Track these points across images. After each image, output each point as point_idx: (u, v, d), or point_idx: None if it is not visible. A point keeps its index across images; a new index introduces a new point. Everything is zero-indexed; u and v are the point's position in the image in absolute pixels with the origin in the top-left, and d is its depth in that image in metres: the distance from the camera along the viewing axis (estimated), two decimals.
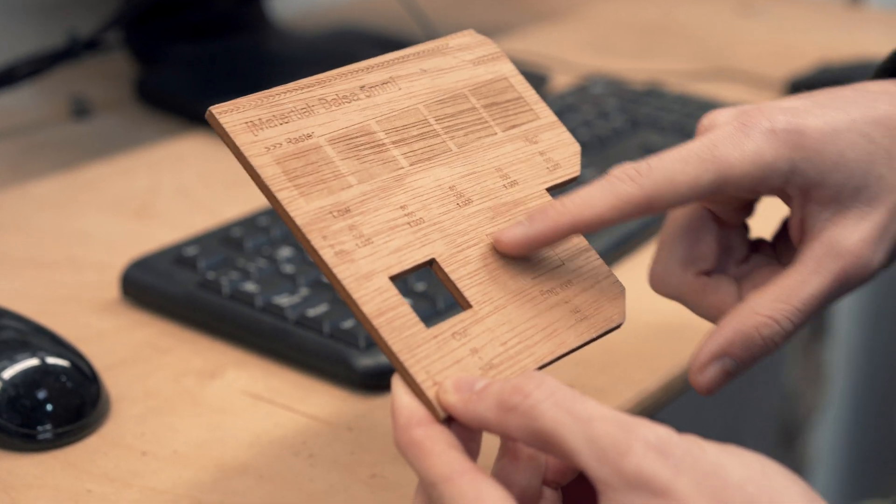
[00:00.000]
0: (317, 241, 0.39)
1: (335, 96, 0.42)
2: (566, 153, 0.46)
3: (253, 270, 0.59)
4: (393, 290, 0.39)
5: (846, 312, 1.52)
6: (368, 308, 0.38)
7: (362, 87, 0.43)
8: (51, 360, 0.52)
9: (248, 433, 0.52)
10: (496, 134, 0.45)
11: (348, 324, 0.55)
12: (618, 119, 0.82)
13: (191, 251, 0.61)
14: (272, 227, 0.64)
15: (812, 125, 0.44)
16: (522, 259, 0.42)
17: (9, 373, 0.51)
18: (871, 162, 0.44)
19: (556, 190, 0.45)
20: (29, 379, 0.51)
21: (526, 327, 0.41)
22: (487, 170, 0.44)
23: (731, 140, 0.43)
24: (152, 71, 0.93)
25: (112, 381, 0.55)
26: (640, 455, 0.33)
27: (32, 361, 0.51)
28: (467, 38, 0.47)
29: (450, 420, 0.37)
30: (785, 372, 1.52)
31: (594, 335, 0.42)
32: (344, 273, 0.38)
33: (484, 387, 0.37)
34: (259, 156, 0.39)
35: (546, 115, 0.47)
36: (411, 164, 0.42)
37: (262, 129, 0.40)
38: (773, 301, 0.43)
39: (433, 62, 0.45)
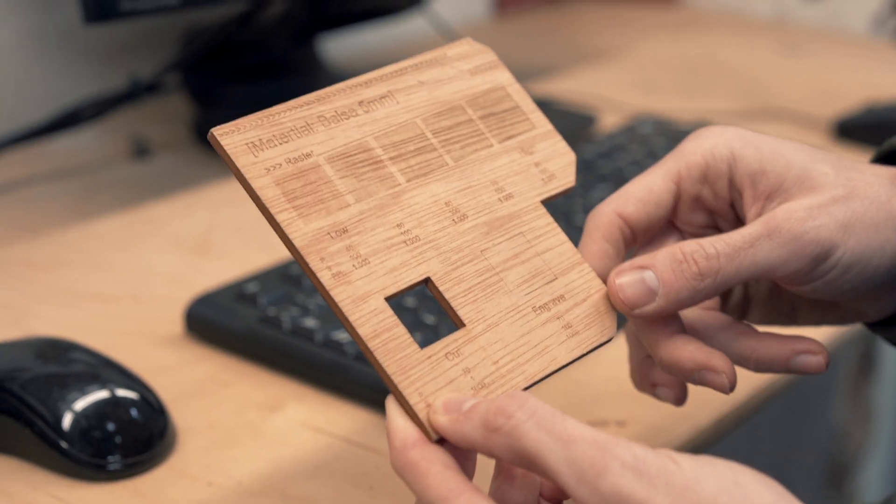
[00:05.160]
0: (315, 263, 0.40)
1: (334, 113, 0.43)
2: (561, 163, 0.47)
3: (312, 307, 0.61)
4: (388, 312, 0.40)
5: (894, 352, 1.52)
6: (364, 330, 0.39)
7: (360, 103, 0.44)
8: (120, 393, 0.54)
9: (309, 465, 0.53)
10: (492, 146, 0.46)
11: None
12: None
13: (252, 288, 0.63)
14: None
15: (753, 133, 0.47)
16: (517, 274, 0.44)
17: (80, 404, 0.52)
18: (815, 161, 0.45)
19: (550, 201, 0.47)
20: (99, 411, 0.53)
21: (518, 345, 0.42)
22: (483, 183, 0.45)
23: (677, 148, 0.48)
24: (210, 112, 0.95)
25: (177, 413, 0.56)
26: (617, 475, 0.35)
27: (102, 394, 0.53)
28: (465, 46, 0.48)
29: (443, 440, 0.39)
30: (833, 412, 1.52)
31: (584, 351, 0.43)
32: (341, 295, 0.39)
33: (471, 407, 0.38)
34: (259, 177, 0.40)
35: (542, 123, 0.48)
36: (408, 181, 0.43)
37: (262, 149, 0.40)
38: (702, 237, 0.45)
39: (431, 73, 0.46)
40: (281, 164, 0.41)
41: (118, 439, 0.52)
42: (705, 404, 0.58)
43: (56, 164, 0.90)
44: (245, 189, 0.40)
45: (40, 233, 0.78)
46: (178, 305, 0.65)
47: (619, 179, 0.80)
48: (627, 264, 0.44)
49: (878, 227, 0.44)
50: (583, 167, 0.81)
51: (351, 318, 0.39)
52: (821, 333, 0.65)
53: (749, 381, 0.60)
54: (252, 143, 0.40)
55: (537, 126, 0.48)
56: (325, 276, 0.39)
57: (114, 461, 0.52)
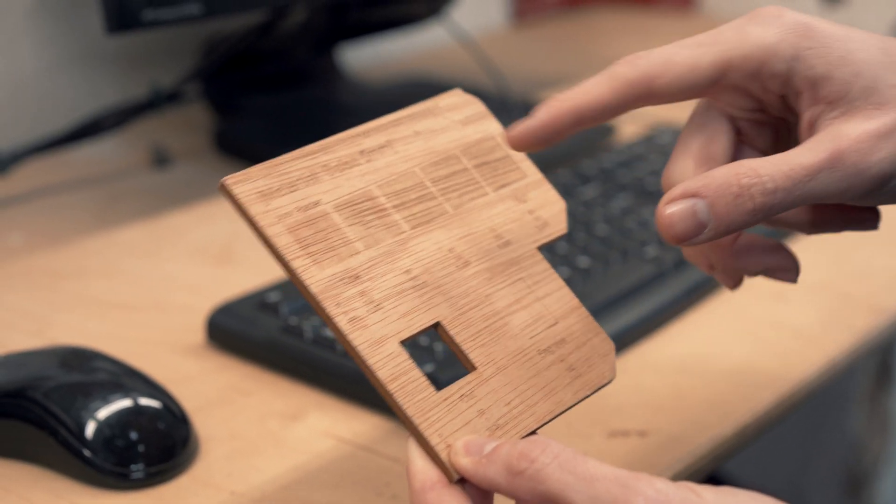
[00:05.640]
0: (331, 308, 0.40)
1: (337, 162, 0.44)
2: (553, 210, 0.49)
3: None
4: (404, 355, 0.41)
5: None
6: (382, 374, 0.40)
7: (361, 153, 0.45)
8: (143, 402, 0.54)
9: (331, 474, 0.53)
10: (488, 194, 0.47)
11: (427, 368, 0.56)
12: None
13: (273, 297, 0.63)
14: None
15: (823, 25, 0.43)
16: (520, 319, 0.44)
17: (103, 413, 0.53)
18: (884, 68, 0.43)
19: (545, 248, 0.48)
20: (123, 419, 0.53)
21: (526, 387, 0.43)
22: (482, 231, 0.46)
23: (736, 26, 0.44)
24: (230, 121, 0.96)
25: (199, 422, 0.56)
26: None
27: (125, 402, 0.53)
28: (455, 97, 0.49)
29: (463, 480, 0.39)
30: (850, 422, 1.51)
31: (588, 392, 0.44)
32: (358, 340, 0.40)
33: (493, 450, 0.39)
34: (272, 225, 0.41)
35: (532, 172, 0.49)
36: (412, 228, 0.44)
37: (272, 198, 0.41)
38: (760, 160, 0.42)
39: (425, 124, 0.47)
40: (291, 213, 0.41)
41: (141, 448, 0.52)
42: (726, 414, 0.58)
43: (77, 173, 0.91)
44: (258, 237, 0.41)
45: (62, 241, 0.79)
46: (199, 314, 0.65)
47: (638, 189, 0.80)
48: (679, 190, 0.41)
49: None
50: (602, 177, 0.81)
51: (369, 362, 0.40)
52: (836, 343, 0.65)
53: (770, 392, 0.60)
54: (262, 191, 0.41)
55: (528, 175, 0.49)
56: (341, 321, 0.40)
57: (137, 470, 0.52)
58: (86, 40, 0.98)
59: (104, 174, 0.91)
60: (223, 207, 0.84)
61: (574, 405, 0.44)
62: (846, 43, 0.43)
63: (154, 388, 0.55)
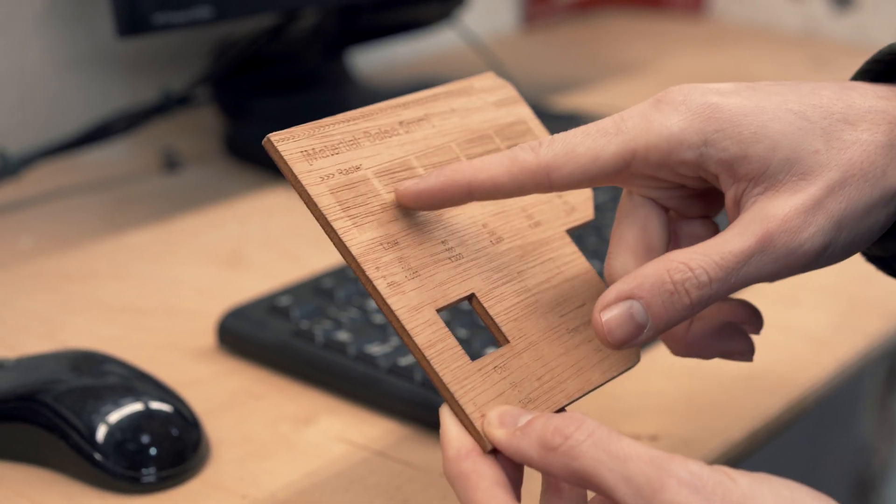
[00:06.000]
0: (371, 271, 0.41)
1: (377, 130, 0.44)
2: (581, 197, 0.49)
3: (345, 320, 0.61)
4: (440, 323, 0.41)
5: None
6: (420, 339, 0.40)
7: (401, 123, 0.45)
8: (154, 405, 0.54)
9: (343, 478, 0.53)
10: None
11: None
12: None
13: (284, 301, 0.63)
14: None
15: (731, 102, 0.42)
16: (550, 297, 0.45)
17: (114, 417, 0.53)
18: (803, 136, 0.41)
19: (573, 232, 0.48)
20: (134, 423, 0.53)
21: (557, 364, 0.43)
22: (514, 209, 0.46)
23: (641, 113, 0.42)
24: (240, 125, 0.96)
25: (210, 425, 0.56)
26: (674, 491, 0.35)
27: (137, 406, 0.53)
28: (489, 80, 0.50)
29: (496, 451, 0.39)
30: (859, 426, 1.51)
31: (615, 374, 0.45)
32: (397, 304, 0.40)
33: (527, 423, 0.39)
34: (315, 185, 0.41)
35: None
36: None
37: (315, 158, 0.42)
38: (691, 252, 0.40)
39: (461, 102, 0.48)
40: (333, 175, 0.42)
41: (152, 452, 0.52)
42: (737, 419, 0.58)
43: (88, 177, 0.91)
44: (300, 195, 0.41)
45: (72, 244, 0.79)
46: (210, 318, 0.65)
47: None
48: (612, 294, 0.40)
49: (870, 211, 0.42)
50: None
51: (408, 327, 0.40)
52: (847, 347, 0.65)
53: (780, 396, 0.60)
54: (306, 151, 0.42)
55: None
56: (381, 285, 0.40)
57: (148, 474, 0.52)
58: (96, 44, 0.99)
59: (114, 178, 0.91)
60: (233, 211, 0.84)
61: (601, 385, 0.44)
62: (757, 116, 0.42)
63: (165, 392, 0.55)
